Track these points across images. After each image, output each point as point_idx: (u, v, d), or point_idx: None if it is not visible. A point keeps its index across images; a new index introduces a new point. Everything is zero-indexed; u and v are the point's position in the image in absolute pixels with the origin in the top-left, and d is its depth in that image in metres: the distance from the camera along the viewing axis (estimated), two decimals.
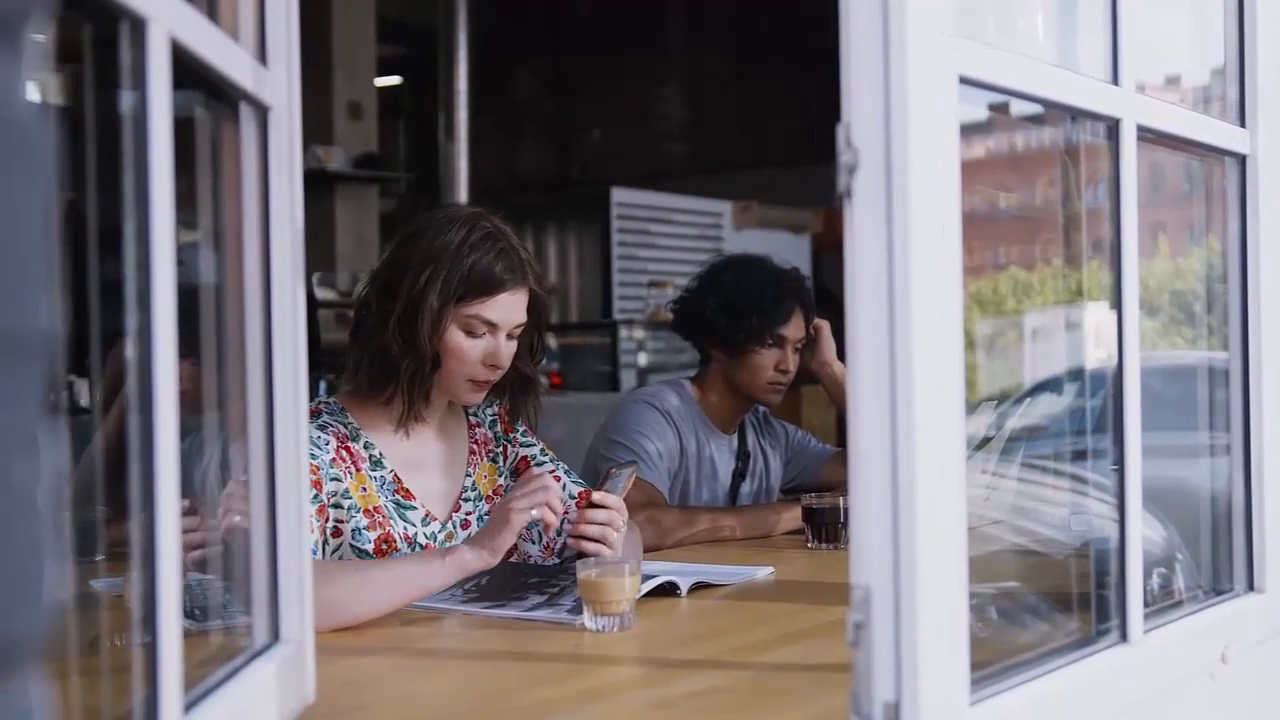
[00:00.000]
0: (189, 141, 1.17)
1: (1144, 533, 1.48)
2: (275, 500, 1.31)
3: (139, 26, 0.95)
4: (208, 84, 1.17)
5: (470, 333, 2.10)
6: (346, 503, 2.06)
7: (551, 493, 1.92)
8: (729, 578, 2.18)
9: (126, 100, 0.97)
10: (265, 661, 1.26)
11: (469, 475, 2.25)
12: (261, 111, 1.29)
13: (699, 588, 2.09)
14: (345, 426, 2.13)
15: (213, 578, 1.38)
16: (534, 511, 1.88)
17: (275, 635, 1.31)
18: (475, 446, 2.28)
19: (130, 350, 0.97)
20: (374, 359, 2.11)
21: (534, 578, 2.06)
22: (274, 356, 1.31)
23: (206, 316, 1.29)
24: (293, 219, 1.33)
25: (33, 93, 0.52)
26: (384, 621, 1.83)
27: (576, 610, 1.83)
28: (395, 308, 2.08)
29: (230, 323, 1.30)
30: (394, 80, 9.28)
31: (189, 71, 1.07)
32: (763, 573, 2.27)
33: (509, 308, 2.11)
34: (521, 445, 2.33)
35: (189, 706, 1.04)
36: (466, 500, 2.23)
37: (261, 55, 1.30)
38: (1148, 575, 1.53)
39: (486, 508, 2.24)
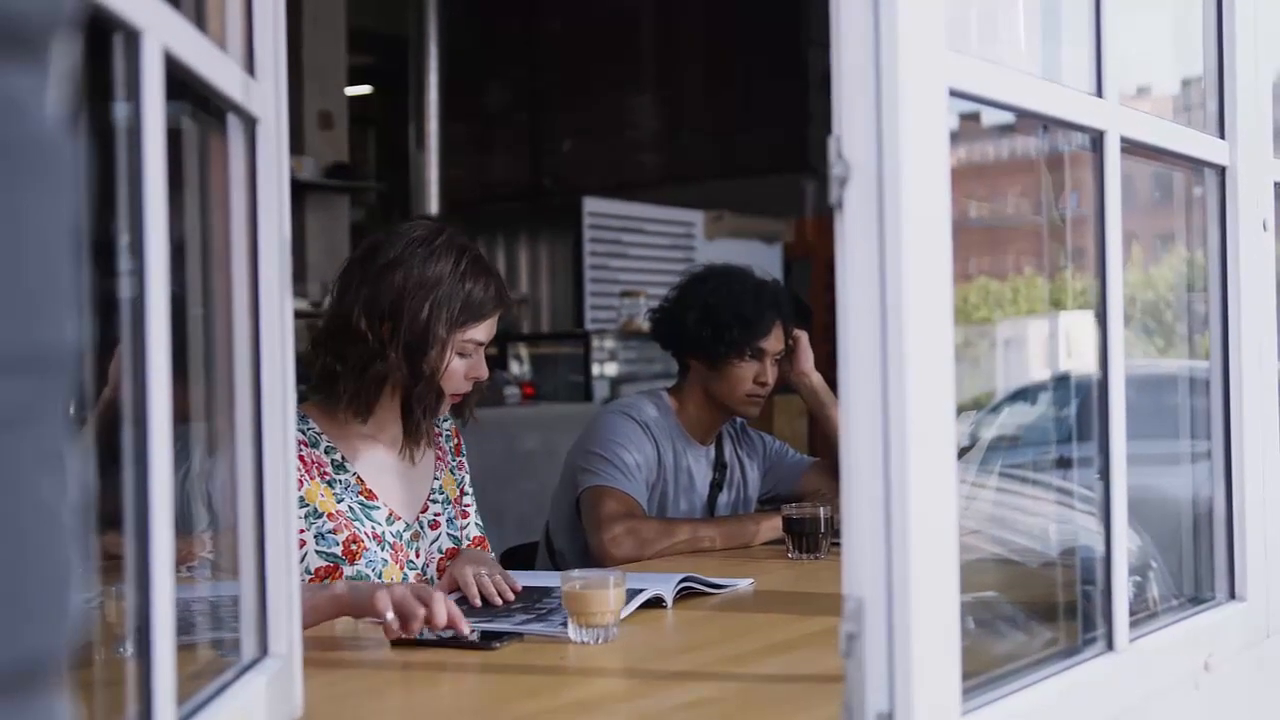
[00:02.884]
0: (176, 152, 1.17)
1: None
2: (263, 515, 1.31)
3: (133, 38, 0.95)
4: (195, 94, 1.17)
5: (463, 354, 2.20)
6: (304, 509, 2.09)
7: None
8: (713, 586, 2.18)
9: (119, 111, 0.97)
10: (255, 676, 1.25)
11: (436, 478, 2.32)
12: (250, 123, 1.29)
13: (685, 594, 2.09)
14: (304, 433, 2.16)
15: (193, 590, 1.37)
16: (389, 615, 1.72)
17: (264, 649, 1.30)
18: (440, 453, 2.36)
19: (114, 362, 0.96)
20: (368, 381, 2.14)
21: (520, 600, 2.05)
22: (262, 368, 1.30)
23: (193, 327, 1.28)
24: (281, 230, 1.32)
25: (56, 108, 0.52)
26: (371, 635, 1.82)
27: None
28: (397, 338, 2.12)
29: (217, 334, 1.30)
30: (365, 90, 9.26)
31: (178, 82, 1.06)
32: (744, 584, 2.27)
33: (493, 327, 2.23)
34: (465, 470, 2.42)
35: None
36: (435, 501, 2.30)
37: (249, 67, 1.29)
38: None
39: (453, 511, 2.33)
